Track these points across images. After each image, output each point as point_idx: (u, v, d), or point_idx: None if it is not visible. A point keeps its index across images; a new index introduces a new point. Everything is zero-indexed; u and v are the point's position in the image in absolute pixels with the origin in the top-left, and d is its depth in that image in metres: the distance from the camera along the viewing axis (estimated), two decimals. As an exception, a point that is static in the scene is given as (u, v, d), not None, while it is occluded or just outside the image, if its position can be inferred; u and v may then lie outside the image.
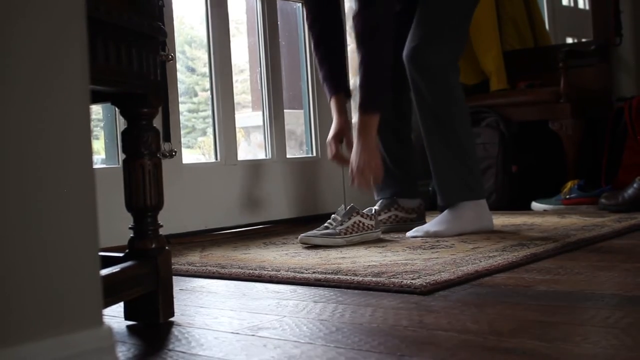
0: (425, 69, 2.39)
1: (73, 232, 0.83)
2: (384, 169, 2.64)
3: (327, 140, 2.48)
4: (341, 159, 2.45)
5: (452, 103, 2.40)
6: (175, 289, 1.53)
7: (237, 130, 2.99)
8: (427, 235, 2.33)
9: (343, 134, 2.48)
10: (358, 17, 2.29)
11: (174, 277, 1.42)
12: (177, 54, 2.79)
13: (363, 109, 2.32)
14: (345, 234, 2.30)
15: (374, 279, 1.59)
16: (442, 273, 1.62)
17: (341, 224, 2.31)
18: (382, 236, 2.42)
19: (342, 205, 2.42)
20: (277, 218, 3.08)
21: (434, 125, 2.41)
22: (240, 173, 2.96)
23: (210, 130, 3.02)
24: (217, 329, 1.26)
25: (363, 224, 2.35)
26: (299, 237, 2.32)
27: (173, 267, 1.66)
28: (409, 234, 2.39)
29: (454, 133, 2.40)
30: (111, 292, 1.20)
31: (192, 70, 3.31)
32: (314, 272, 1.73)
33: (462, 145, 2.40)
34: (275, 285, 1.68)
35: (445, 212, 2.41)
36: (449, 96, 2.40)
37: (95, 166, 1.28)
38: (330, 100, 2.51)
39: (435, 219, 2.41)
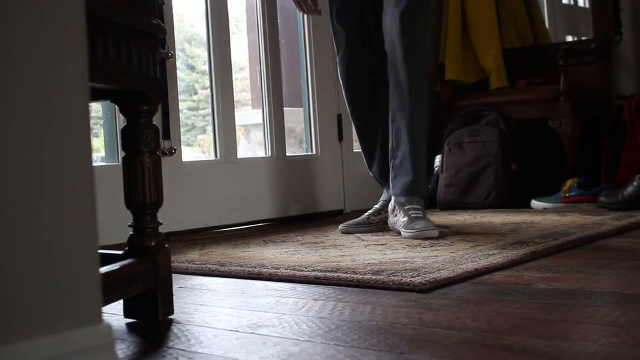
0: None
1: (72, 229, 0.83)
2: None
3: None
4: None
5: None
6: (175, 286, 1.53)
7: (236, 128, 2.99)
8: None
9: None
10: None
11: (173, 275, 1.43)
12: (177, 52, 2.78)
13: None
14: (378, 224, 2.50)
15: (373, 277, 1.59)
16: (442, 271, 1.62)
17: (378, 214, 2.54)
18: (381, 235, 2.42)
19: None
20: (276, 216, 3.09)
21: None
22: (240, 171, 2.96)
23: (210, 128, 3.03)
24: (216, 327, 1.26)
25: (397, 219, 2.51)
26: (339, 226, 2.56)
27: (172, 264, 1.65)
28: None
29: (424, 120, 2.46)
30: (110, 289, 1.20)
31: (192, 68, 3.31)
32: (313, 270, 1.73)
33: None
34: (275, 283, 1.68)
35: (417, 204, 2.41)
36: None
37: (94, 164, 1.28)
38: None
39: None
